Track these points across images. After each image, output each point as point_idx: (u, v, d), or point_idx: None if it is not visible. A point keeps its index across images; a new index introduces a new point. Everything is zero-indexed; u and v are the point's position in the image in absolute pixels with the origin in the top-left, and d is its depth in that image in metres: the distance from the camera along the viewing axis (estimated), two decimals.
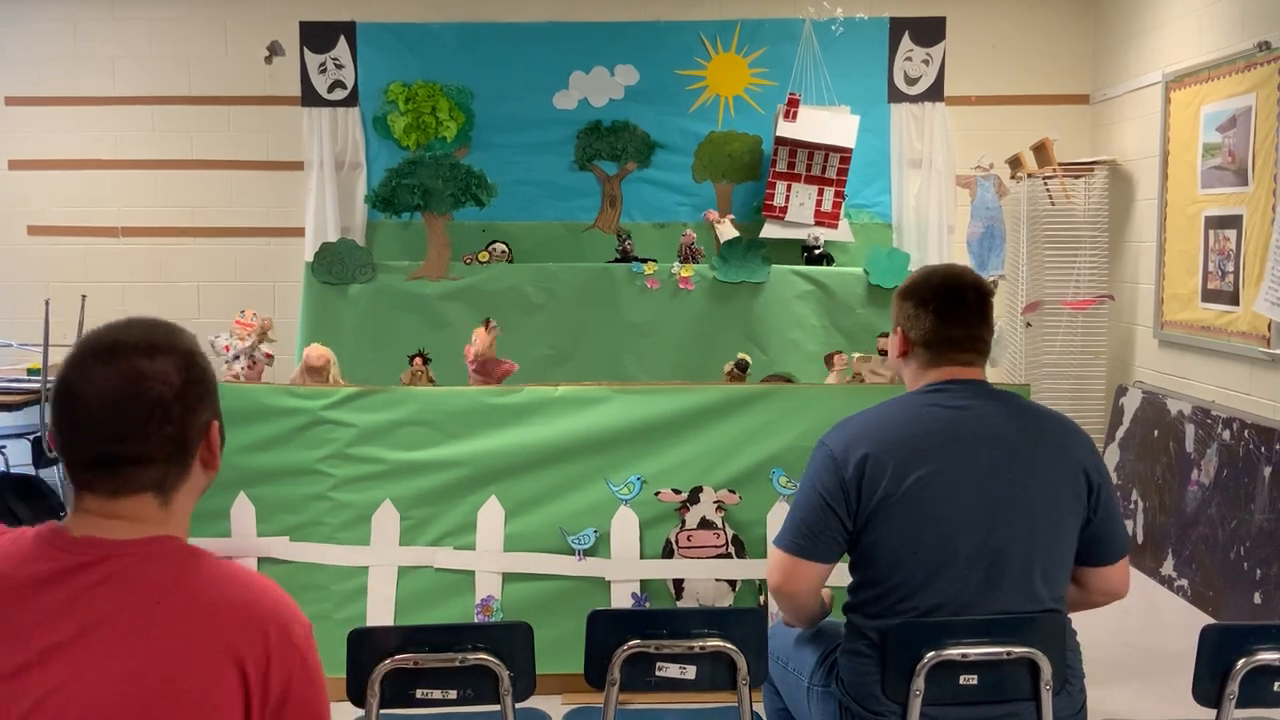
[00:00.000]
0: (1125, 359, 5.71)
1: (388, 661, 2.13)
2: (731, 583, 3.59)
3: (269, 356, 4.20)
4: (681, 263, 5.53)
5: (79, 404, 1.34)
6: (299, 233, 6.01)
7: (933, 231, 5.86)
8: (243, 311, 4.28)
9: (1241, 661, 2.14)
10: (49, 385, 4.21)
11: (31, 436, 5.45)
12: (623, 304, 5.45)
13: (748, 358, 4.28)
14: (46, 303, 5.64)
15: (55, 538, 1.36)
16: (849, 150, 5.51)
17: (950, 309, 2.32)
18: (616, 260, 5.55)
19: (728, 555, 3.58)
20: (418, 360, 4.10)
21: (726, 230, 5.54)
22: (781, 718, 2.60)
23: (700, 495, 3.59)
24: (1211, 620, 4.14)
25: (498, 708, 2.19)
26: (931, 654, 2.11)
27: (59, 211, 6.22)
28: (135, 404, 1.34)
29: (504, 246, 5.64)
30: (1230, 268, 4.65)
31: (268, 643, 1.34)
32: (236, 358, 4.10)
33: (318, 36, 5.94)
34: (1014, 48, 6.11)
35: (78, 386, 1.35)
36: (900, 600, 2.17)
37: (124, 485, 1.36)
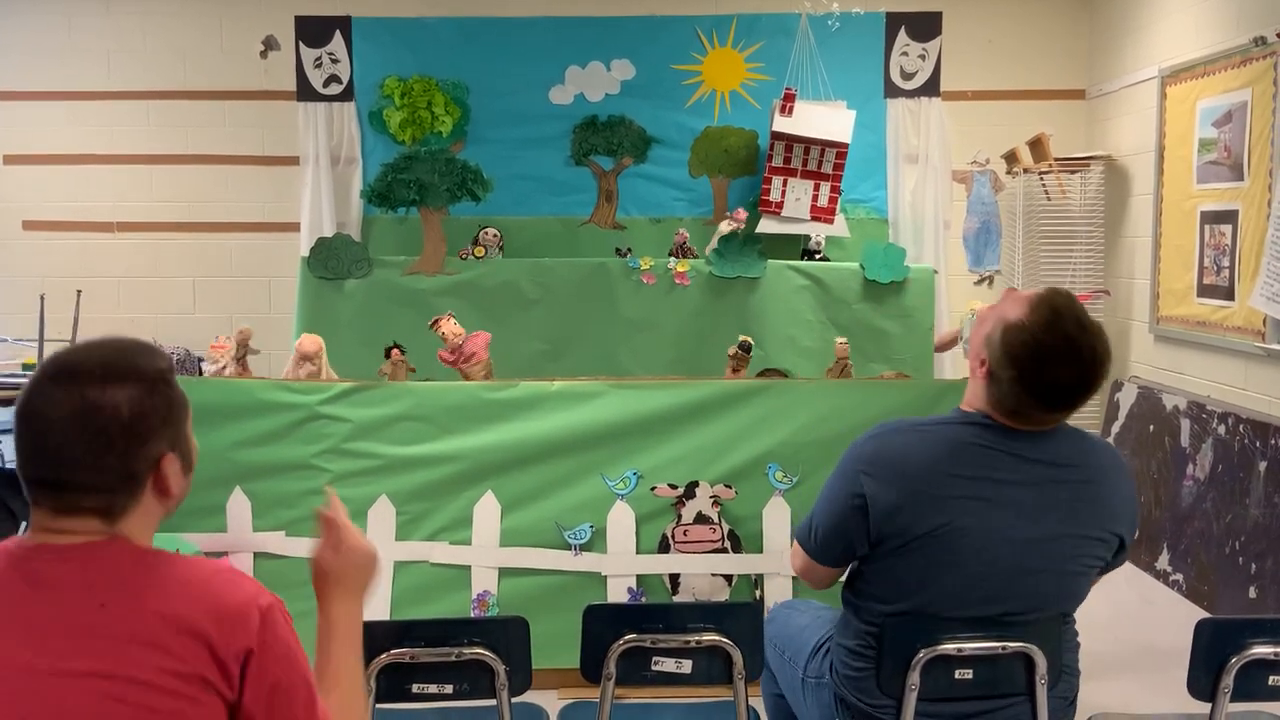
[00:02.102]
0: (1121, 354, 5.72)
1: (383, 656, 2.13)
2: (727, 577, 3.59)
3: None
4: (677, 258, 5.52)
5: (32, 425, 1.36)
6: (294, 228, 6.00)
7: (929, 227, 5.86)
8: (217, 336, 4.22)
9: (1236, 655, 2.15)
10: None
11: None
12: (619, 299, 5.45)
13: (750, 339, 4.24)
14: (42, 298, 5.64)
15: (15, 547, 1.38)
16: (845, 145, 5.50)
17: (1050, 397, 2.04)
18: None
19: (724, 550, 3.58)
20: (395, 352, 4.06)
21: (725, 227, 5.53)
22: (778, 704, 2.60)
23: (696, 490, 3.59)
24: (1206, 614, 4.14)
25: (493, 702, 2.19)
26: (927, 649, 2.11)
27: (54, 206, 6.21)
28: (82, 433, 1.34)
29: (495, 232, 5.61)
30: (1226, 263, 4.66)
31: (226, 631, 1.34)
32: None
33: (313, 31, 5.93)
34: (1010, 43, 6.10)
35: (33, 408, 1.37)
36: (903, 618, 2.16)
37: (68, 507, 1.37)
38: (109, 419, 1.35)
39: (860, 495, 2.11)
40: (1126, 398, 5.36)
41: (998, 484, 2.08)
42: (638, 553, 3.58)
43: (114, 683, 1.29)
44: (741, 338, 4.20)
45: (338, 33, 5.92)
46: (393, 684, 2.16)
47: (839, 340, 4.19)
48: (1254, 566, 4.14)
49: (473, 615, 3.51)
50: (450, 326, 3.95)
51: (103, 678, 1.29)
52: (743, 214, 5.52)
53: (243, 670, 1.34)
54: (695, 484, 3.60)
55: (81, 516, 1.37)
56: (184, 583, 1.36)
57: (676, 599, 3.54)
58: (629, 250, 5.61)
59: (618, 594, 3.56)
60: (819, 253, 5.59)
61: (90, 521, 1.38)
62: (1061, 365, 2.02)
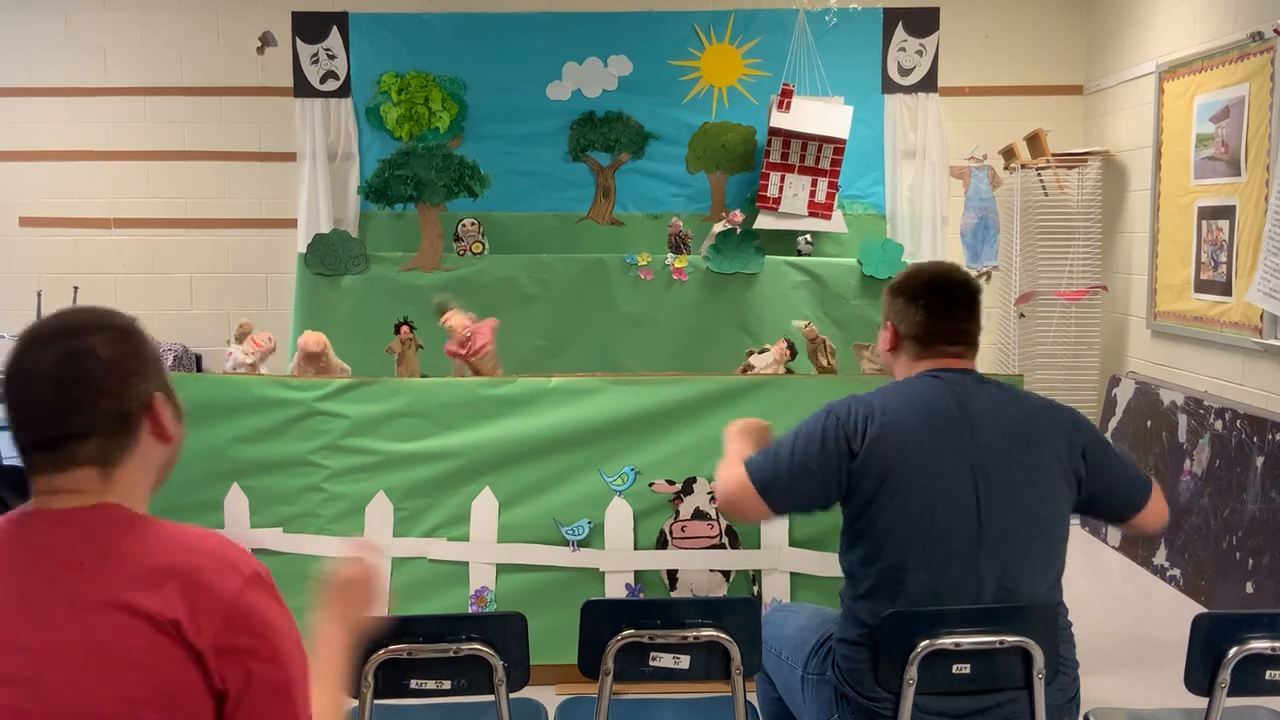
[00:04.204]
0: (1118, 349, 5.72)
1: (381, 652, 2.12)
2: (725, 573, 3.59)
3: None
4: (674, 253, 5.52)
5: (19, 387, 1.40)
6: (291, 224, 6.00)
7: (926, 222, 5.86)
8: (261, 333, 4.14)
9: (1233, 650, 2.14)
10: None
11: None
12: (616, 295, 5.45)
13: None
14: (39, 294, 5.64)
15: (17, 516, 1.41)
16: (842, 141, 5.50)
17: (939, 305, 2.37)
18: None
19: (721, 546, 3.58)
20: (404, 329, 3.99)
21: (719, 226, 5.52)
22: (775, 707, 2.60)
23: (694, 486, 3.59)
24: (1203, 609, 4.15)
25: (492, 698, 2.19)
26: (925, 643, 2.12)
27: (51, 203, 6.20)
28: (69, 380, 1.38)
29: (473, 221, 5.58)
30: (1223, 258, 4.66)
31: (197, 601, 1.33)
32: (237, 368, 3.99)
33: (310, 27, 5.92)
34: (1007, 38, 6.10)
35: (19, 368, 1.40)
36: (892, 585, 2.18)
37: (65, 460, 1.40)
38: (93, 361, 1.39)
39: (843, 432, 2.24)
40: (1124, 393, 5.37)
41: (952, 423, 2.24)
42: (635, 549, 3.58)
43: (77, 654, 1.30)
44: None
45: (334, 28, 5.91)
46: (390, 680, 2.16)
47: (803, 323, 4.04)
48: (1251, 561, 4.14)
49: (470, 611, 3.51)
50: (459, 319, 3.91)
51: (67, 648, 1.30)
52: (739, 215, 5.53)
53: (218, 647, 1.34)
54: (693, 480, 3.60)
55: (79, 468, 1.40)
56: (166, 549, 1.37)
57: (674, 595, 3.55)
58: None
59: (615, 590, 3.56)
60: (804, 253, 5.60)
61: (86, 473, 1.40)
62: (944, 277, 2.40)
